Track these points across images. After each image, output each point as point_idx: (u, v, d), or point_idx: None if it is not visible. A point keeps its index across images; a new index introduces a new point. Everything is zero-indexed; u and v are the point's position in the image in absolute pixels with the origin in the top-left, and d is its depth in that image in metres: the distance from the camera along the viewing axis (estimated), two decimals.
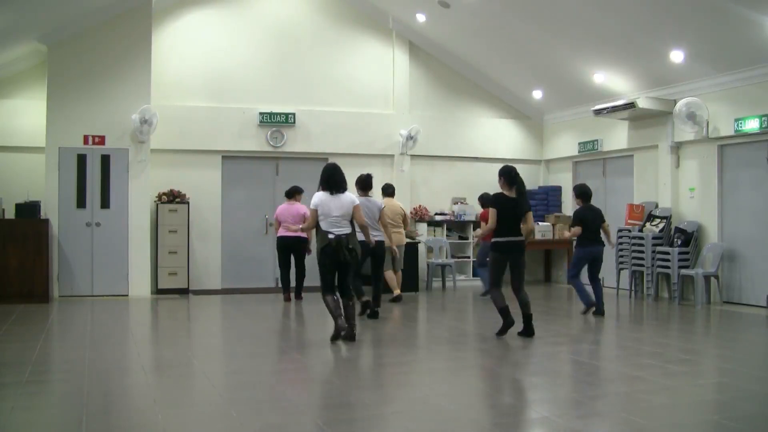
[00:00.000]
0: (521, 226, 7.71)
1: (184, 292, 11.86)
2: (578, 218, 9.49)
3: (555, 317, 9.43)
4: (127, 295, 11.47)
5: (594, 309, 9.33)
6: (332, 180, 7.50)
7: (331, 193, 7.44)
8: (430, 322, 9.95)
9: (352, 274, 7.64)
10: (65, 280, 11.29)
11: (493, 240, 7.76)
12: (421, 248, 12.92)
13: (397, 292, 10.80)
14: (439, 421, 4.86)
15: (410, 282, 12.15)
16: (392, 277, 10.78)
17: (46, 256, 10.73)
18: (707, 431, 4.70)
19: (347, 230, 7.43)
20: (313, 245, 8.95)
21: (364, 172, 11.48)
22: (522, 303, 7.76)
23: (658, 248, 11.05)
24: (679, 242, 10.88)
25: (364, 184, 9.47)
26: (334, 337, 7.44)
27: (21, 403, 5.18)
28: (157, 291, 11.80)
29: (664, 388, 5.65)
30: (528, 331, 7.73)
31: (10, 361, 6.65)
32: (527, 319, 7.76)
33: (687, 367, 6.54)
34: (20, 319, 9.14)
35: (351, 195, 7.65)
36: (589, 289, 9.47)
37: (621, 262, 11.80)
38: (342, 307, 7.49)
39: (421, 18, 12.64)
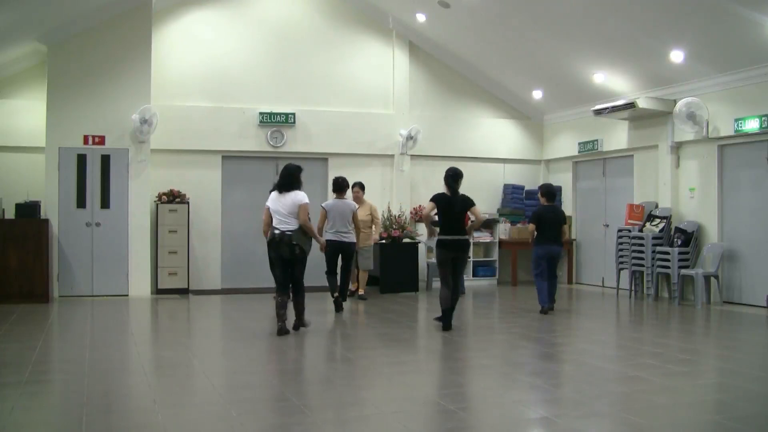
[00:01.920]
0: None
1: (184, 292, 11.85)
2: (536, 216, 9.76)
3: (554, 317, 9.43)
4: (127, 295, 11.47)
5: (546, 312, 9.61)
6: (281, 180, 7.95)
7: (280, 192, 7.84)
8: (430, 322, 9.94)
9: (300, 270, 7.92)
10: (65, 280, 11.29)
11: (438, 237, 8.25)
12: (421, 248, 12.91)
13: (360, 291, 11.23)
14: (438, 421, 4.86)
15: (410, 282, 12.17)
16: (364, 277, 11.15)
17: (46, 256, 10.73)
18: (707, 431, 4.70)
19: (293, 227, 7.73)
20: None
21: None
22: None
23: (658, 248, 11.06)
24: (679, 242, 10.88)
25: (339, 186, 9.98)
26: (278, 332, 7.76)
27: (21, 403, 5.18)
28: (157, 291, 11.79)
29: (664, 388, 5.65)
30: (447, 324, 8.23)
31: (10, 361, 6.65)
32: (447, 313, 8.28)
33: (687, 367, 6.54)
34: (20, 319, 9.14)
35: (299, 194, 7.84)
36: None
37: (621, 262, 11.81)
38: (293, 303, 7.96)
39: (421, 18, 12.64)
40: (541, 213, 9.76)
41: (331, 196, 10.36)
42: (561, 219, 9.82)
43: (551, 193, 9.99)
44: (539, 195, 10.13)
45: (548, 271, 9.69)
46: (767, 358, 7.37)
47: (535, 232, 9.68)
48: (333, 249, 9.66)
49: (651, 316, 9.98)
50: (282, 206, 7.76)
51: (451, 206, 8.20)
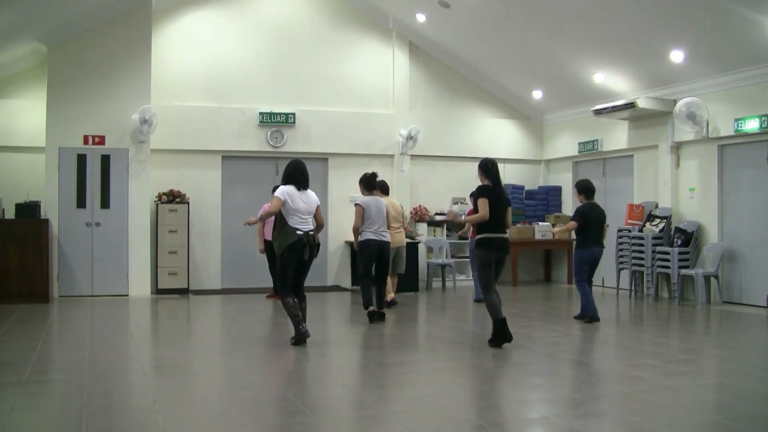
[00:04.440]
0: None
1: (184, 292, 11.85)
2: (582, 215, 8.89)
3: (555, 317, 9.43)
4: (127, 295, 11.47)
5: (590, 318, 8.85)
6: (300, 176, 7.24)
7: (299, 189, 7.21)
8: (430, 322, 9.94)
9: (307, 273, 7.40)
10: (65, 280, 11.29)
11: (479, 236, 7.21)
12: (421, 248, 12.92)
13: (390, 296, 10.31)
14: (439, 421, 4.86)
15: (410, 282, 12.15)
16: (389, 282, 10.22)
17: (46, 256, 10.73)
18: (707, 431, 4.70)
19: (312, 227, 7.28)
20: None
21: (365, 172, 11.46)
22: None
23: (658, 248, 11.05)
24: (679, 242, 10.88)
25: (370, 183, 9.15)
26: (296, 342, 7.21)
27: (21, 403, 5.18)
28: (157, 291, 11.80)
29: (664, 388, 5.65)
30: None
31: (10, 361, 6.65)
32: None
33: (687, 367, 6.54)
34: (20, 319, 9.13)
35: (314, 193, 7.42)
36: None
37: (621, 262, 11.81)
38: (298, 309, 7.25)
39: (421, 18, 12.64)
40: (586, 211, 8.89)
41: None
42: (603, 218, 9.06)
43: (591, 189, 9.14)
44: (576, 193, 9.30)
45: (591, 276, 9.00)
46: (767, 358, 7.38)
47: (573, 233, 8.81)
48: (374, 250, 8.82)
49: (651, 316, 9.98)
50: (304, 205, 7.18)
51: (499, 200, 7.16)
